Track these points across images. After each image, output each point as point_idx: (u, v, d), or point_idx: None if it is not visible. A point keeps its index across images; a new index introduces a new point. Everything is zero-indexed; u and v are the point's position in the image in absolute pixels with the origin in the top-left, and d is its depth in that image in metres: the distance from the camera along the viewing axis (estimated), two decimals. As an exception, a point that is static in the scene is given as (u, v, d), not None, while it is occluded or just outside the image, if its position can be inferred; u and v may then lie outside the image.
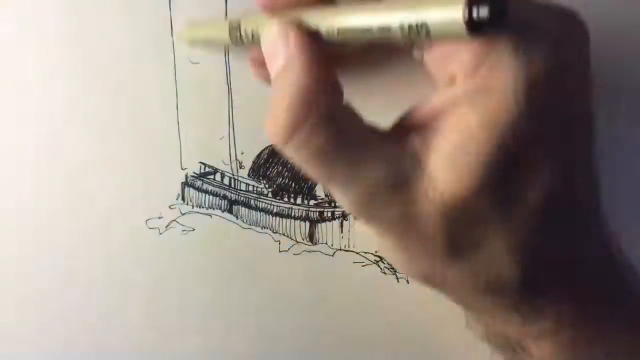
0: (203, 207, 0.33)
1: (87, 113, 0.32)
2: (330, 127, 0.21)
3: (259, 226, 0.33)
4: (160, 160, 0.32)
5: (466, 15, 0.17)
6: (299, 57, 0.22)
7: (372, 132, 0.22)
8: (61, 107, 0.32)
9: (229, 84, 0.31)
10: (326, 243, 0.33)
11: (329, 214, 0.33)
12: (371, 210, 0.22)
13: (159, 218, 0.33)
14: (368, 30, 0.21)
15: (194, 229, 0.33)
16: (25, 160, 0.32)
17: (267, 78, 0.28)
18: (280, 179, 0.32)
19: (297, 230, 0.33)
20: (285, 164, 0.32)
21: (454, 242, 0.21)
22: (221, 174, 0.32)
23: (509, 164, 0.20)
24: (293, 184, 0.32)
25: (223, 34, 0.27)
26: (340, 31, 0.22)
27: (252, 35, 0.25)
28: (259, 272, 0.33)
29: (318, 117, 0.21)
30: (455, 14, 0.18)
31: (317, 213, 0.33)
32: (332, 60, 0.23)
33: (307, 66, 0.21)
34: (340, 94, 0.22)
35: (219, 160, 0.32)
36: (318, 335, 0.34)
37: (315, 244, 0.33)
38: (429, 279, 0.24)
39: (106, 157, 0.32)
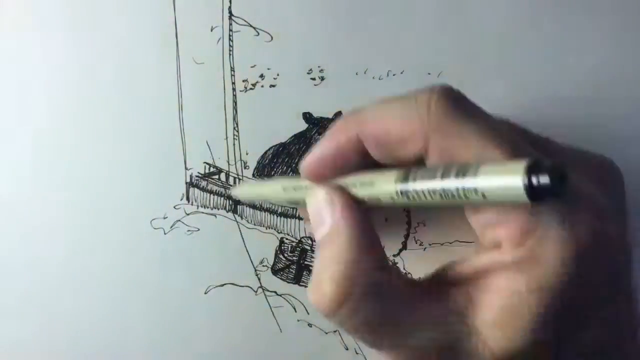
0: (208, 207, 0.33)
1: (90, 113, 0.32)
2: (375, 299, 0.21)
3: (263, 226, 0.33)
4: (164, 161, 0.32)
5: (526, 182, 0.17)
6: (344, 228, 0.22)
7: (414, 287, 0.23)
8: (64, 107, 0.32)
9: (233, 83, 0.31)
10: (330, 243, 0.33)
11: (334, 214, 0.33)
12: None
13: (164, 218, 0.33)
14: (425, 194, 0.20)
15: (198, 229, 0.33)
16: (27, 160, 0.32)
17: None
18: (285, 179, 0.33)
19: (302, 230, 0.33)
20: (289, 164, 0.32)
21: None
22: (226, 174, 0.32)
23: (558, 323, 0.21)
24: (297, 184, 0.33)
25: (275, 195, 0.28)
26: (396, 196, 0.21)
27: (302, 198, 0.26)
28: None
29: (363, 291, 0.21)
30: (515, 181, 0.17)
31: (322, 213, 0.33)
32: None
33: (351, 238, 0.22)
34: (383, 260, 0.23)
35: (224, 160, 0.32)
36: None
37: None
38: None
39: (110, 157, 0.32)
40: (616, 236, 0.21)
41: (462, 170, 0.19)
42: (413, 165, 0.21)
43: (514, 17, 0.30)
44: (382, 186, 0.22)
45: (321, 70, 0.31)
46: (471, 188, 0.19)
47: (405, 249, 0.33)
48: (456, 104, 0.21)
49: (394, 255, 0.33)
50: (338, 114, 0.31)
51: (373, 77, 0.31)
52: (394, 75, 0.31)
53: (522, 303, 0.20)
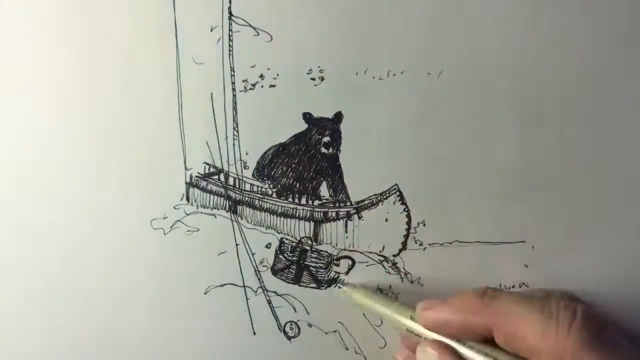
0: (207, 208, 0.33)
1: (90, 113, 0.32)
2: None
3: (263, 226, 0.33)
4: (164, 161, 0.32)
5: None
6: None
7: None
8: (64, 107, 0.32)
9: (233, 83, 0.31)
10: (330, 243, 0.33)
11: (334, 214, 0.33)
12: None
13: (164, 218, 0.33)
14: None
15: (198, 229, 0.33)
16: (28, 160, 0.32)
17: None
18: (285, 179, 0.32)
19: (302, 230, 0.33)
20: (289, 164, 0.32)
21: None
22: (225, 174, 0.32)
23: None
24: (297, 184, 0.33)
25: (387, 314, 0.31)
26: None
27: (412, 332, 0.29)
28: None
29: None
30: None
31: (322, 213, 0.33)
32: None
33: None
34: None
35: (224, 160, 0.32)
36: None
37: (320, 243, 0.33)
38: None
39: (110, 157, 0.32)
40: None
41: None
42: None
43: (514, 17, 0.30)
44: None
45: (321, 70, 0.31)
46: None
47: (405, 249, 0.33)
48: (596, 333, 0.24)
49: (394, 255, 0.33)
50: (338, 114, 0.31)
51: (373, 77, 0.31)
52: (394, 75, 0.31)
53: None
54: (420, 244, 0.33)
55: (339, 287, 0.33)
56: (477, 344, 0.27)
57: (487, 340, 0.27)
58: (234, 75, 0.31)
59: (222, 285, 0.34)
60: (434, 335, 0.28)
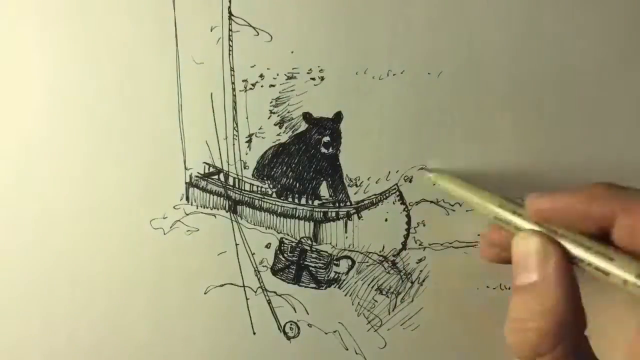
0: (207, 208, 0.33)
1: (90, 113, 0.32)
2: (574, 358, 0.22)
3: (263, 226, 0.33)
4: (164, 161, 0.32)
5: None
6: (557, 282, 0.23)
7: None
8: (64, 107, 0.32)
9: (233, 83, 0.31)
10: (330, 243, 0.33)
11: (333, 214, 0.33)
12: None
13: (164, 218, 0.33)
14: None
15: (198, 229, 0.33)
16: (27, 160, 0.32)
17: (492, 258, 0.30)
18: (285, 179, 0.32)
19: (302, 230, 0.33)
20: (289, 164, 0.32)
21: None
22: (225, 174, 0.32)
23: None
24: (297, 184, 0.33)
25: (480, 204, 0.28)
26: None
27: (501, 220, 0.27)
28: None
29: (566, 346, 0.22)
30: None
31: (322, 213, 0.33)
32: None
33: (564, 293, 0.22)
34: (585, 324, 0.23)
35: (223, 160, 0.32)
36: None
37: (320, 243, 0.33)
38: None
39: (110, 157, 0.32)
40: None
41: None
42: None
43: (514, 17, 0.30)
44: (618, 270, 0.22)
45: (321, 70, 0.31)
46: None
47: (405, 249, 0.33)
48: None
49: (394, 255, 0.33)
50: (338, 114, 0.31)
51: (373, 77, 0.31)
52: (394, 75, 0.31)
53: None
54: (420, 244, 0.33)
55: (424, 173, 0.31)
56: (583, 236, 0.24)
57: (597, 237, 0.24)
58: (233, 75, 0.31)
59: (221, 285, 0.34)
60: (529, 225, 0.26)
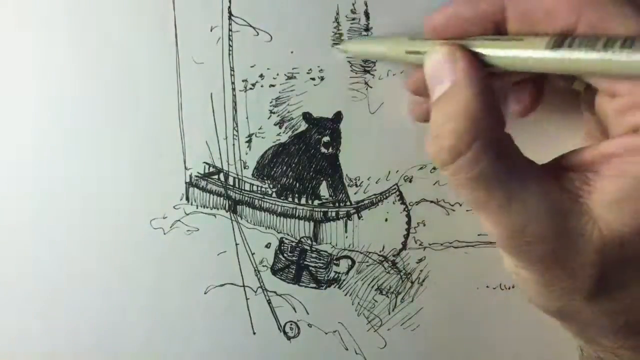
0: (207, 207, 0.33)
1: (90, 113, 0.32)
2: (493, 153, 0.21)
3: (263, 226, 0.33)
4: (164, 161, 0.32)
5: None
6: (467, 82, 0.22)
7: (530, 164, 0.23)
8: (64, 107, 0.32)
9: (233, 83, 0.31)
10: (330, 243, 0.33)
11: (333, 214, 0.33)
12: (522, 243, 0.22)
13: (164, 218, 0.33)
14: (577, 62, 0.20)
15: (198, 229, 0.33)
16: (27, 160, 0.32)
17: (419, 117, 0.29)
18: (285, 179, 0.32)
19: (301, 230, 0.33)
20: (289, 163, 0.32)
21: (603, 280, 0.22)
22: (225, 174, 0.32)
23: None
24: (297, 184, 0.33)
25: (386, 49, 0.27)
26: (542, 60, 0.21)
27: (415, 52, 0.26)
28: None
29: (483, 142, 0.21)
30: None
31: (322, 213, 0.33)
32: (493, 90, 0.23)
33: (475, 92, 0.22)
34: (503, 122, 0.23)
35: (223, 160, 0.32)
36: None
37: (320, 243, 0.33)
38: (562, 313, 0.24)
39: (110, 157, 0.32)
40: None
41: (629, 42, 0.19)
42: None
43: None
44: (527, 49, 0.22)
45: (321, 70, 0.31)
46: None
47: (405, 249, 0.33)
48: None
49: (394, 255, 0.33)
50: (338, 113, 0.31)
51: (373, 77, 0.31)
52: (394, 75, 0.31)
53: None
54: (420, 244, 0.33)
55: (337, 53, 0.30)
56: (485, 37, 0.24)
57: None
58: (233, 75, 0.31)
59: (221, 285, 0.34)
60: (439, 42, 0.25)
